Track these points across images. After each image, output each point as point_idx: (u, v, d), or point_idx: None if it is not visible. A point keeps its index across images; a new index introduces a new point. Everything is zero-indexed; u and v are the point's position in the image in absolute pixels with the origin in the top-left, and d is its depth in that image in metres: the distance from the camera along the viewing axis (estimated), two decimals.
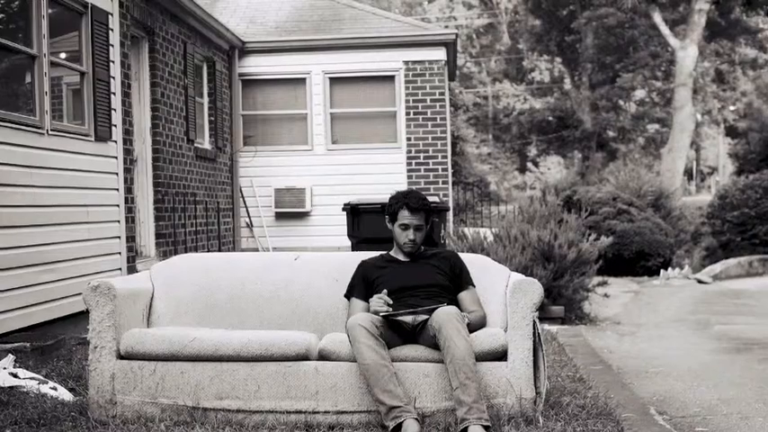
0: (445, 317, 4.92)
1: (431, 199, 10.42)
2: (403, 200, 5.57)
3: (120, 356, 5.20)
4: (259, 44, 16.43)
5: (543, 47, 46.44)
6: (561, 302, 10.86)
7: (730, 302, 13.25)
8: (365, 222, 9.52)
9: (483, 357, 5.00)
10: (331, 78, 16.37)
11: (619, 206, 19.12)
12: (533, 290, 5.16)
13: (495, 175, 44.40)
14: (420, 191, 15.34)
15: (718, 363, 8.03)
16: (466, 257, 5.74)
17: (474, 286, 5.50)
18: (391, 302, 5.15)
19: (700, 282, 16.83)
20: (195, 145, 13.84)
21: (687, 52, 36.46)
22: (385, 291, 5.21)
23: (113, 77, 9.96)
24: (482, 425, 4.65)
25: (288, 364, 5.07)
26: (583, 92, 44.46)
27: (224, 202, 15.41)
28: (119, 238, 9.99)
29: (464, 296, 5.45)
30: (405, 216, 5.52)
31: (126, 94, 10.67)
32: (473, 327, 5.14)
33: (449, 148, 16.77)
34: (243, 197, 16.28)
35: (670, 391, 6.70)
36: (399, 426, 4.72)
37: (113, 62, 9.97)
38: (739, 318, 11.33)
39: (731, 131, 46.14)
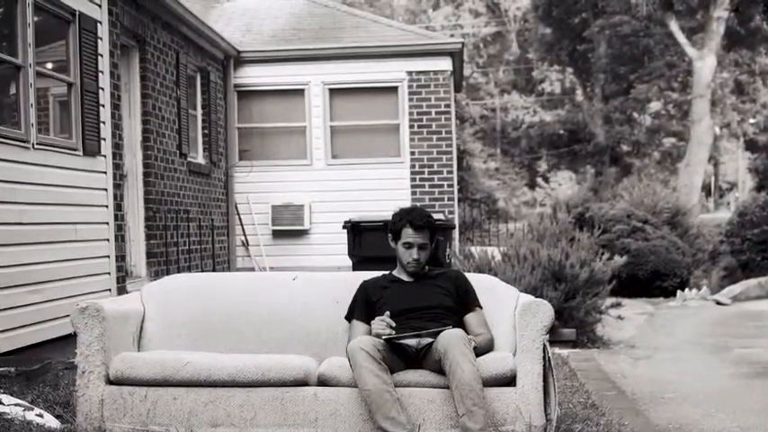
0: (451, 340, 4.93)
1: (435, 216, 10.45)
2: (406, 217, 5.58)
3: (110, 381, 5.21)
4: (255, 54, 16.48)
5: (554, 56, 46.47)
6: (573, 325, 10.86)
7: (750, 325, 13.24)
8: (367, 240, 9.54)
9: (491, 383, 5.00)
10: (331, 89, 16.41)
11: (633, 224, 19.11)
12: (543, 311, 5.16)
13: (504, 192, 44.43)
14: (424, 208, 15.41)
15: (737, 388, 8.03)
16: (473, 278, 5.75)
17: (481, 308, 5.51)
18: (394, 325, 5.15)
19: (718, 303, 16.81)
20: (188, 159, 13.87)
21: (705, 62, 36.49)
22: (387, 313, 5.21)
23: (102, 88, 9.99)
24: None
25: (285, 389, 5.08)
26: (595, 104, 44.49)
27: (218, 220, 15.44)
28: (108, 257, 10.01)
29: (470, 318, 5.45)
30: (408, 234, 5.53)
31: (115, 106, 10.70)
32: (480, 350, 5.15)
33: (454, 162, 16.79)
34: (238, 214, 16.30)
35: (687, 417, 6.70)
36: None
37: (102, 72, 10.01)
38: (760, 341, 11.32)
39: (751, 145, 46.14)
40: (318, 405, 5.05)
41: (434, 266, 5.89)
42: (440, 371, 4.99)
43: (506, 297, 5.60)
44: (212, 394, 5.10)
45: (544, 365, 5.12)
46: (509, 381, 5.07)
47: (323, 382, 5.12)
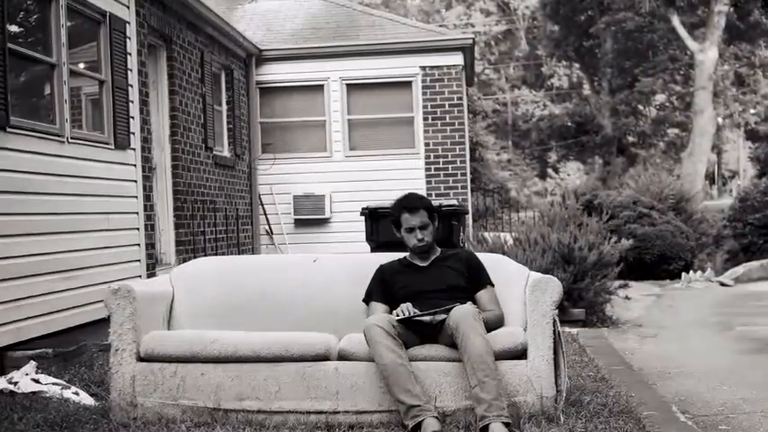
0: (462, 315, 4.94)
1: (449, 202, 10.47)
2: (401, 204, 5.63)
3: (141, 359, 5.24)
4: (276, 52, 16.50)
5: (562, 52, 46.35)
6: (582, 305, 10.83)
7: (752, 304, 13.18)
8: (384, 226, 9.50)
9: (502, 356, 5.00)
10: (348, 85, 16.42)
11: (639, 210, 19.04)
12: (552, 287, 5.17)
13: (516, 182, 44.34)
14: (439, 195, 15.44)
15: (740, 363, 8.00)
16: (484, 257, 5.75)
17: (492, 285, 5.50)
18: (414, 313, 5.15)
19: (722, 284, 16.74)
20: (214, 153, 13.90)
21: (707, 55, 36.30)
22: (409, 304, 5.21)
23: (131, 85, 10.03)
24: (502, 422, 4.65)
25: (308, 364, 5.10)
26: (602, 97, 44.36)
27: (243, 210, 15.47)
28: (138, 245, 10.05)
29: (482, 295, 5.45)
30: (406, 219, 5.56)
31: (144, 102, 10.74)
32: (490, 325, 5.15)
33: (467, 152, 16.78)
34: (262, 204, 16.34)
35: (692, 390, 6.69)
36: (419, 425, 4.73)
37: (131, 70, 10.05)
38: (761, 319, 11.27)
39: (752, 135, 45.88)
40: (339, 379, 5.06)
41: (447, 248, 5.89)
42: (453, 345, 4.99)
43: (517, 275, 5.60)
44: (238, 369, 5.11)
45: (554, 339, 5.12)
46: (520, 354, 5.08)
47: (343, 357, 5.13)
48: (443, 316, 5.08)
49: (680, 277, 17.59)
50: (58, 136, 8.35)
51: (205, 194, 13.30)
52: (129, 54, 10.02)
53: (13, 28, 8.19)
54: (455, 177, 16.15)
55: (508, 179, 42.37)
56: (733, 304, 13.35)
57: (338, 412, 5.02)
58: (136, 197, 10.05)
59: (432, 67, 16.23)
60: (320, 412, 5.03)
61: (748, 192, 20.76)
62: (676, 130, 45.15)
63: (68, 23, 8.63)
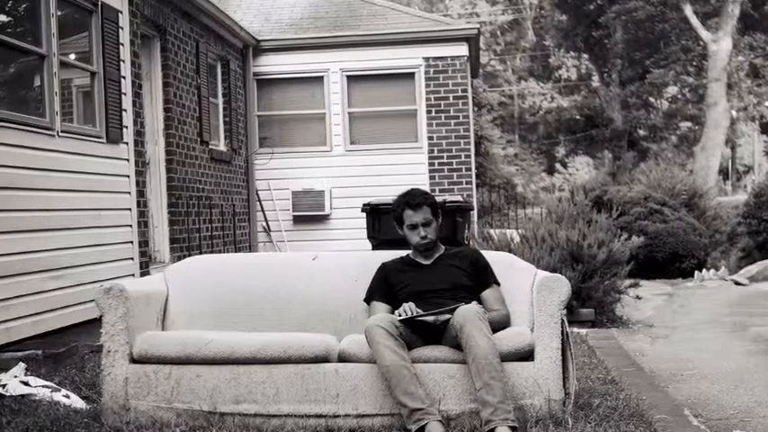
0: (466, 315, 4.92)
1: (453, 198, 10.47)
2: (403, 200, 5.62)
3: (134, 360, 5.24)
4: (274, 42, 16.50)
5: (570, 43, 46.27)
6: (591, 305, 10.81)
7: (767, 304, 13.16)
8: (386, 223, 9.49)
9: (509, 357, 4.99)
10: (349, 76, 16.41)
11: (650, 206, 19.00)
12: (560, 287, 5.16)
13: (522, 177, 44.29)
14: (443, 191, 15.44)
15: (755, 365, 7.98)
16: (490, 255, 5.74)
17: (498, 284, 5.50)
18: (417, 313, 5.14)
19: (736, 283, 16.71)
20: (209, 147, 13.90)
21: (720, 46, 36.24)
22: (412, 304, 5.20)
23: (124, 77, 10.02)
24: (509, 426, 4.64)
25: (307, 366, 5.09)
26: (612, 89, 44.28)
27: (240, 206, 15.47)
28: (131, 242, 10.04)
29: (487, 294, 5.44)
30: (409, 216, 5.56)
31: (137, 95, 10.72)
32: (495, 326, 5.12)
33: (472, 146, 16.77)
34: (260, 200, 16.33)
35: (705, 393, 6.68)
36: (422, 429, 4.72)
37: (124, 61, 10.03)
38: None
39: (767, 128, 45.82)
40: (339, 381, 5.05)
41: (451, 246, 5.88)
42: (458, 346, 4.98)
43: (524, 274, 5.59)
44: (235, 371, 5.10)
45: (562, 340, 5.11)
46: (527, 355, 5.07)
47: (343, 358, 5.12)
48: (447, 316, 5.07)
49: (692, 276, 17.57)
50: (48, 129, 8.34)
51: (200, 190, 13.30)
52: (122, 45, 10.01)
53: (1, 17, 8.19)
54: (459, 172, 16.14)
55: (515, 174, 42.31)
56: (748, 304, 13.33)
57: (338, 416, 5.02)
58: (128, 193, 10.04)
59: (435, 59, 16.22)
60: (320, 416, 5.02)
61: (763, 187, 20.73)
62: (689, 124, 45.06)
63: (58, 13, 8.62)
